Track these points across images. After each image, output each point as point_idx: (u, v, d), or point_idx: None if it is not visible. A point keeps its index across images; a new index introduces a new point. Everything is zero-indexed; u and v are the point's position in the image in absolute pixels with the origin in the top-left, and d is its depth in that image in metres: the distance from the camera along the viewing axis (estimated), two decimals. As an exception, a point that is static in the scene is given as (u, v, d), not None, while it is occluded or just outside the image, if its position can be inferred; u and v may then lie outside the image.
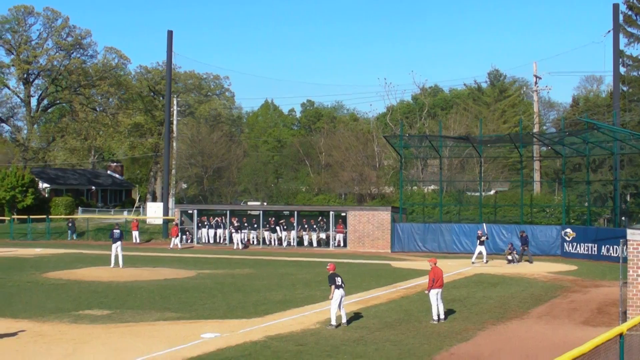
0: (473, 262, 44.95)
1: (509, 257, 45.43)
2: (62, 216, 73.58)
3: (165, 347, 20.71)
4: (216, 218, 61.17)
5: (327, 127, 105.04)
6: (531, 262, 45.40)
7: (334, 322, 23.80)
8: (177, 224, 60.12)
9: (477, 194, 62.14)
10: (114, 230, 43.27)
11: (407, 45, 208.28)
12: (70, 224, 66.64)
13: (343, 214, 57.24)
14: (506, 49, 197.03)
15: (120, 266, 41.33)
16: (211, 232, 60.71)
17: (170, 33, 70.03)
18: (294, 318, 25.57)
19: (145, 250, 56.03)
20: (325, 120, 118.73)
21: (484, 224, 50.27)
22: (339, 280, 24.08)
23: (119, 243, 41.89)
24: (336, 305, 23.94)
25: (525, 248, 46.58)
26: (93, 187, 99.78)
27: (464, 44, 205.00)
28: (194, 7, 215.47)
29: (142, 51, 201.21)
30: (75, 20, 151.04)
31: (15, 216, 70.73)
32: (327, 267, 24.85)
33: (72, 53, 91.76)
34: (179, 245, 57.68)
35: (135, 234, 62.75)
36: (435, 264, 25.46)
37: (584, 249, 48.79)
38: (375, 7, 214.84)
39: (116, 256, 41.87)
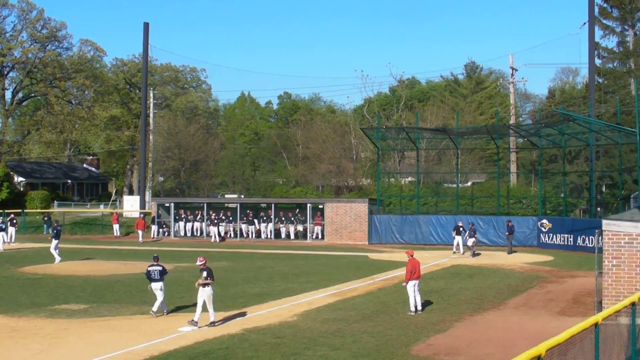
0: (462, 253, 45.06)
1: (468, 244, 45.11)
2: (38, 210, 73.11)
3: (142, 341, 20.67)
4: (195, 211, 61.05)
5: (304, 120, 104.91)
6: (509, 253, 45.57)
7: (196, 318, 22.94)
8: (141, 217, 59.89)
9: (454, 185, 62.28)
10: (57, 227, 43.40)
11: (383, 37, 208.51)
12: (46, 218, 66.21)
13: (320, 206, 57.22)
14: (482, 41, 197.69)
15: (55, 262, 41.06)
16: (188, 225, 60.55)
17: (146, 25, 69.77)
18: (272, 311, 25.60)
19: (124, 243, 55.82)
20: (302, 113, 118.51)
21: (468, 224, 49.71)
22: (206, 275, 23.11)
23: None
24: (201, 303, 22.96)
25: (510, 237, 46.74)
26: (69, 181, 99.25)
27: (440, 36, 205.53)
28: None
29: (118, 43, 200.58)
30: (50, 12, 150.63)
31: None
32: (201, 262, 23.41)
33: (47, 45, 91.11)
34: (141, 240, 57.16)
35: (115, 227, 62.31)
36: (412, 255, 25.54)
37: (560, 239, 49.05)
38: (351, 0, 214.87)
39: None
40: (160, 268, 24.75)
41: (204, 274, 22.97)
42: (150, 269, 24.80)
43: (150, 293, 25.03)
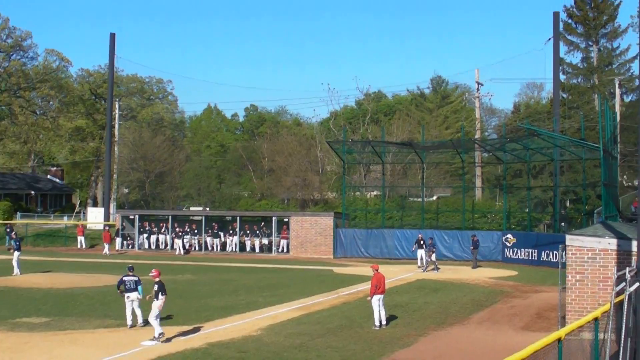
0: (425, 268, 44.74)
1: (432, 259, 45.00)
2: (0, 222, 72.28)
3: (105, 355, 20.47)
4: (160, 223, 60.66)
5: (270, 132, 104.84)
6: (474, 268, 45.75)
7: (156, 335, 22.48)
8: (108, 229, 59.42)
9: (420, 199, 62.48)
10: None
11: (350, 50, 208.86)
12: (8, 230, 65.49)
13: (286, 220, 57.12)
14: (449, 56, 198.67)
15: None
16: (153, 237, 60.18)
17: (112, 36, 69.48)
18: (236, 325, 25.46)
19: (88, 256, 55.33)
20: (268, 125, 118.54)
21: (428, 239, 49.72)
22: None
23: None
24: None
25: (474, 251, 47.08)
26: (32, 192, 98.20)
27: (406, 50, 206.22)
28: (136, 10, 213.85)
29: (84, 54, 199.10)
30: (16, 22, 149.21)
31: (-49, 221, 69.30)
32: (153, 274, 23.39)
33: (12, 55, 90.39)
34: (107, 252, 56.51)
35: (80, 239, 61.84)
36: (377, 270, 25.53)
37: (524, 254, 49.30)
38: (316, 13, 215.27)
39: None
40: (136, 278, 24.69)
41: (155, 287, 22.87)
42: (125, 278, 24.68)
43: (125, 303, 24.79)
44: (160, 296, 22.58)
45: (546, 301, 31.12)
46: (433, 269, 44.16)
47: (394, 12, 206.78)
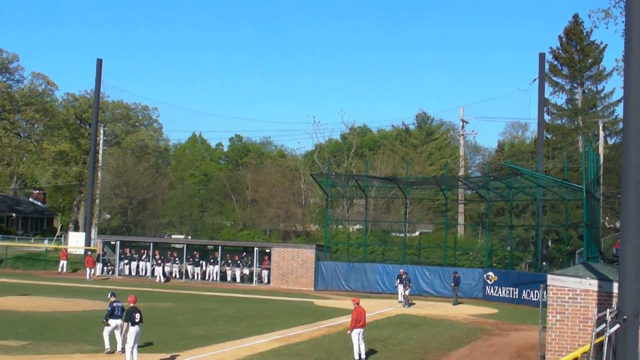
0: (404, 304, 44.59)
1: (406, 294, 44.88)
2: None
3: (80, 381, 20.28)
4: (141, 250, 60.38)
5: (254, 163, 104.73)
6: (455, 305, 45.72)
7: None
8: (90, 254, 59.19)
9: (402, 234, 62.48)
10: None
11: (336, 84, 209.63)
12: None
13: (267, 251, 57.01)
14: (434, 93, 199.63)
15: None
16: (133, 264, 59.87)
17: (99, 61, 69.36)
18: (214, 354, 25.31)
19: (68, 280, 54.99)
20: (252, 156, 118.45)
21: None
22: (137, 317, 22.53)
23: None
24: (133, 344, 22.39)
25: (455, 288, 47.14)
26: (14, 214, 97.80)
27: (393, 85, 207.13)
28: (124, 36, 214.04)
29: (70, 78, 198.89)
30: (2, 44, 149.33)
31: None
32: (128, 299, 23.27)
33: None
34: (89, 277, 56.30)
35: (63, 263, 61.44)
36: (358, 303, 25.46)
37: (505, 292, 49.31)
38: (304, 45, 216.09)
39: None
40: (121, 304, 24.58)
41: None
42: (115, 305, 24.51)
43: (106, 329, 24.66)
44: (124, 322, 22.47)
45: (526, 340, 31.09)
46: (404, 304, 44.10)
47: (381, 47, 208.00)
